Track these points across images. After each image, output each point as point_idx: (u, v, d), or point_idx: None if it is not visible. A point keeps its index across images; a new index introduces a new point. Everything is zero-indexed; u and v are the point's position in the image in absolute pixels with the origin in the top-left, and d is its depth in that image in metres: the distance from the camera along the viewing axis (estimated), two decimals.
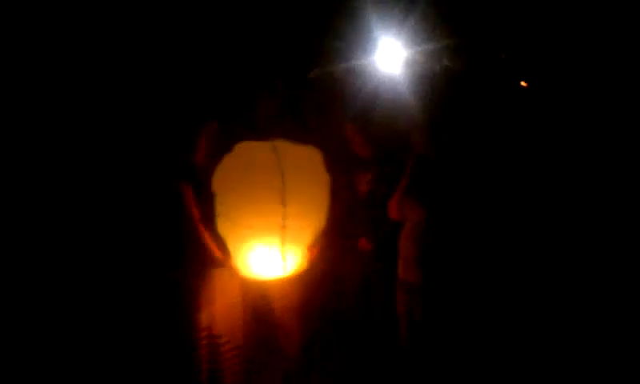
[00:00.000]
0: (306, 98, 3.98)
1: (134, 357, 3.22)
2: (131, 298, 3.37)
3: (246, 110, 3.67)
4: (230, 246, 2.68)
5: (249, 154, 2.67)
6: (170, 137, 3.07)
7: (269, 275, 2.69)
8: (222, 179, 2.67)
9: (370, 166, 3.27)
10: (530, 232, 3.78)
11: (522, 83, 4.26)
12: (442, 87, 4.00)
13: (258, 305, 3.30)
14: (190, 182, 2.88)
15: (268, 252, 2.59)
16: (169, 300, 3.02)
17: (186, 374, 2.87)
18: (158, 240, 3.12)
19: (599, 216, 3.81)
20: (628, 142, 3.85)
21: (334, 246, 3.21)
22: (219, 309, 2.93)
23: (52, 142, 3.51)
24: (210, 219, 2.75)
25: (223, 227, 2.66)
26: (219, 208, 2.66)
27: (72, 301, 3.37)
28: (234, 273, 2.79)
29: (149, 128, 3.52)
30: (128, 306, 3.37)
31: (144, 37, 3.71)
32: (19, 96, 3.44)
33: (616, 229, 3.71)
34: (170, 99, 3.58)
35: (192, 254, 2.89)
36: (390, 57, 3.90)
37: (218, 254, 2.82)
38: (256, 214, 2.55)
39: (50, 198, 3.48)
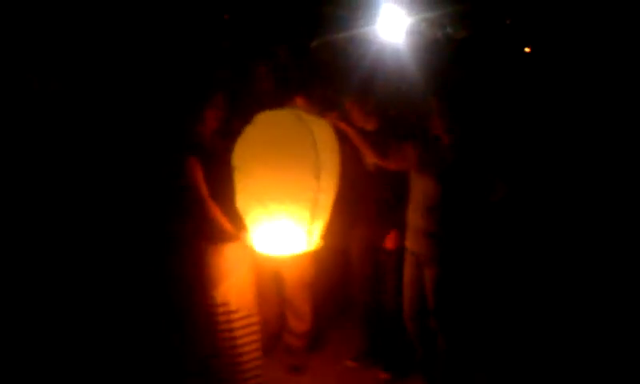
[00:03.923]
0: (308, 68, 3.93)
1: (150, 331, 3.26)
2: (145, 272, 3.40)
3: (250, 82, 3.63)
4: (249, 222, 2.48)
5: (274, 124, 2.40)
6: (176, 111, 3.03)
7: (289, 252, 2.49)
8: (243, 152, 2.41)
9: (375, 137, 3.24)
10: (540, 204, 3.79)
11: (526, 49, 4.23)
12: (445, 55, 3.96)
13: (271, 279, 3.34)
14: (198, 157, 2.85)
15: (293, 228, 2.37)
16: (183, 274, 3.05)
17: (202, 348, 2.91)
18: (171, 215, 3.13)
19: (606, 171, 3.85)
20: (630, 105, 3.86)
21: (342, 217, 3.21)
22: (234, 282, 2.92)
23: (59, 121, 3.49)
24: (220, 194, 2.67)
25: (243, 203, 2.45)
26: (239, 183, 2.44)
27: (86, 275, 3.39)
28: (247, 247, 2.67)
29: (156, 102, 3.47)
30: (142, 279, 3.41)
31: (150, 7, 3.65)
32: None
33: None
34: (176, 73, 3.53)
35: (204, 228, 2.89)
36: (392, 25, 3.85)
37: (229, 229, 2.79)
38: (287, 189, 2.30)
39: (60, 171, 3.48)
